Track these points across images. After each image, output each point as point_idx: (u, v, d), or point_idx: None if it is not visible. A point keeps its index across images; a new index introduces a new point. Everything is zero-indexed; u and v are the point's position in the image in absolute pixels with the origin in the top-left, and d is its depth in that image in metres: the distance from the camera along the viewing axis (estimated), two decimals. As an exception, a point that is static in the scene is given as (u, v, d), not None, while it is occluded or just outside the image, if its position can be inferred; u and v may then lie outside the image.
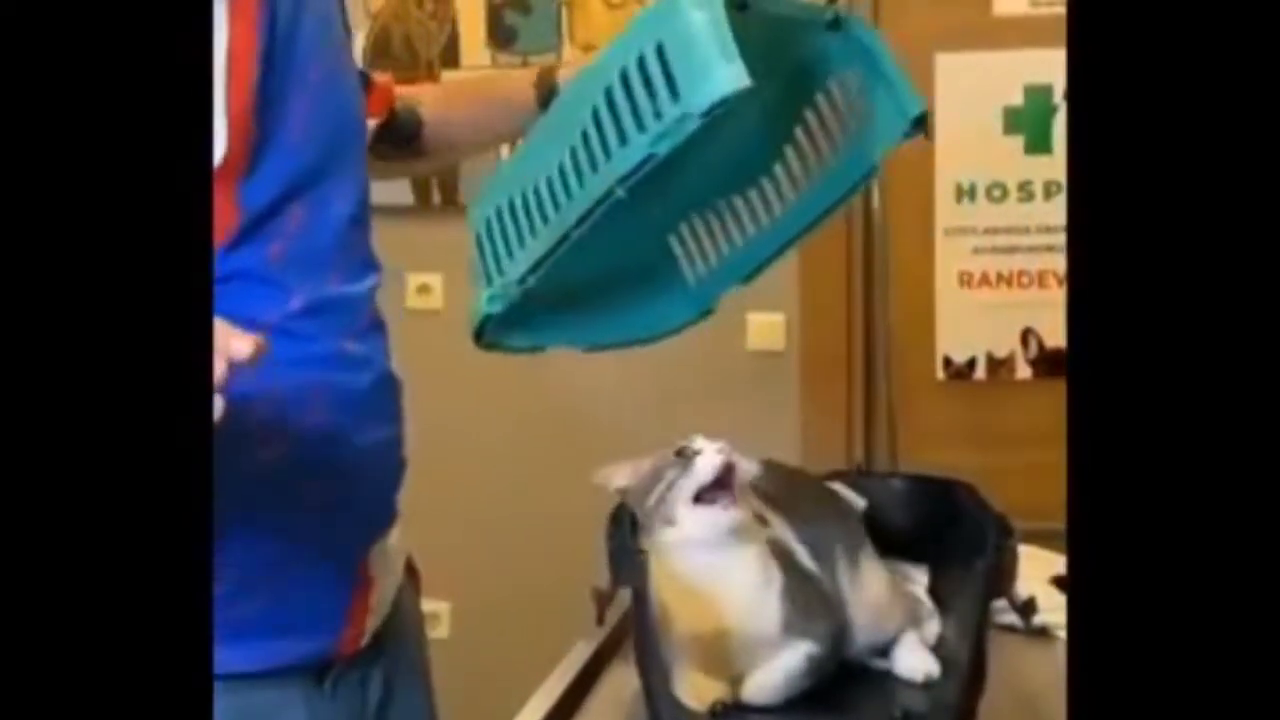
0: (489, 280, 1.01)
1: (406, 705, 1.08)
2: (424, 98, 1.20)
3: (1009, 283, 2.25)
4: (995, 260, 2.26)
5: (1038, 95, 2.18)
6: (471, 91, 1.29)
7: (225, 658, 0.86)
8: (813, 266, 2.26)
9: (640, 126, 0.87)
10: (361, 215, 1.00)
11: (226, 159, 0.86)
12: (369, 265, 1.02)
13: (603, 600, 0.95)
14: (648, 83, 0.87)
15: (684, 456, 0.88)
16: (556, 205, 0.94)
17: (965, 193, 2.26)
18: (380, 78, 1.17)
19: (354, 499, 0.98)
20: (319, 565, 0.96)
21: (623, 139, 0.88)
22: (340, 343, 0.96)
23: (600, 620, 0.98)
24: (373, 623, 1.02)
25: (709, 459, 0.87)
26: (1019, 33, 2.19)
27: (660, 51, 0.87)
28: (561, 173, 0.93)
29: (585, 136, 0.91)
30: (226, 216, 0.88)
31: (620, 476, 0.93)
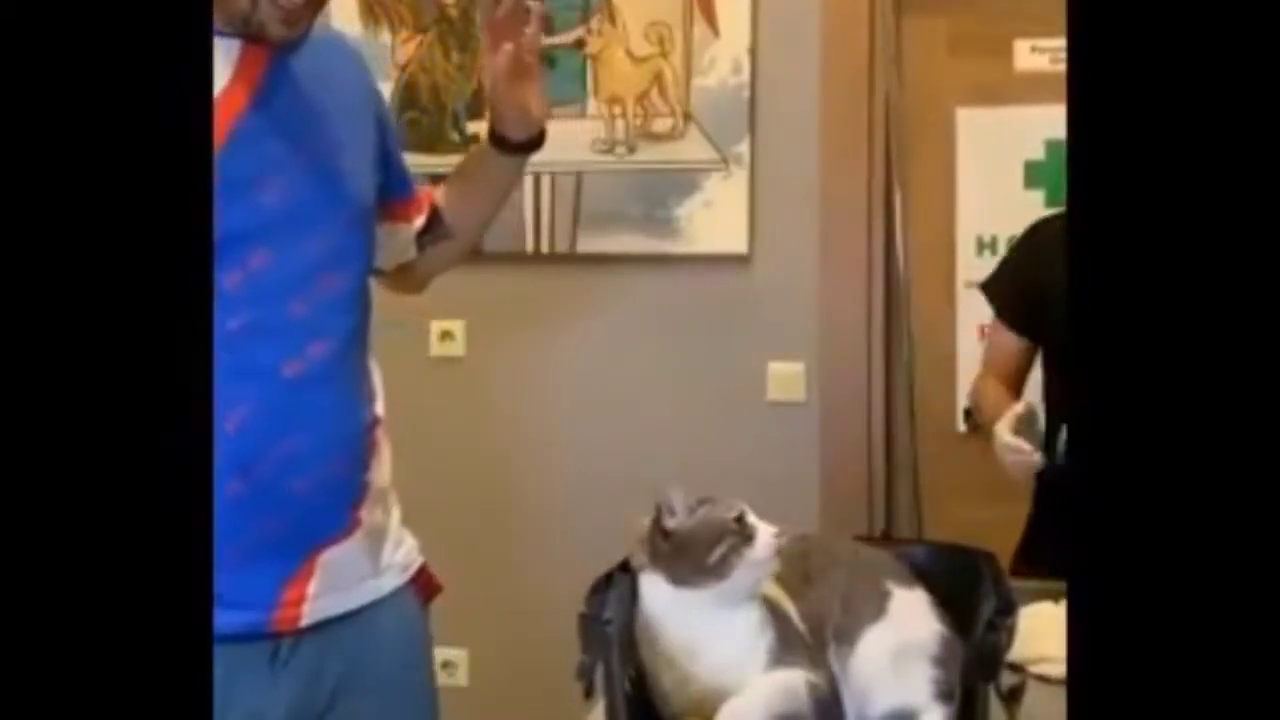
0: None
1: (361, 709, 1.17)
2: (437, 192, 1.40)
3: (1030, 336, 2.25)
4: (1016, 313, 2.25)
5: (1059, 150, 2.19)
6: (457, 168, 1.47)
7: None
8: (834, 319, 2.26)
9: None
10: (339, 268, 1.15)
11: None
12: (345, 310, 1.16)
13: (588, 673, 0.95)
14: None
15: (742, 526, 0.98)
16: None
17: (986, 245, 2.27)
18: (421, 189, 1.36)
19: (282, 500, 1.09)
20: (250, 548, 1.08)
21: None
22: (279, 364, 1.09)
23: (587, 695, 0.96)
24: (312, 609, 1.13)
25: (766, 541, 0.98)
26: (1040, 88, 2.21)
27: None
28: None
29: None
30: None
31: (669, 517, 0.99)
